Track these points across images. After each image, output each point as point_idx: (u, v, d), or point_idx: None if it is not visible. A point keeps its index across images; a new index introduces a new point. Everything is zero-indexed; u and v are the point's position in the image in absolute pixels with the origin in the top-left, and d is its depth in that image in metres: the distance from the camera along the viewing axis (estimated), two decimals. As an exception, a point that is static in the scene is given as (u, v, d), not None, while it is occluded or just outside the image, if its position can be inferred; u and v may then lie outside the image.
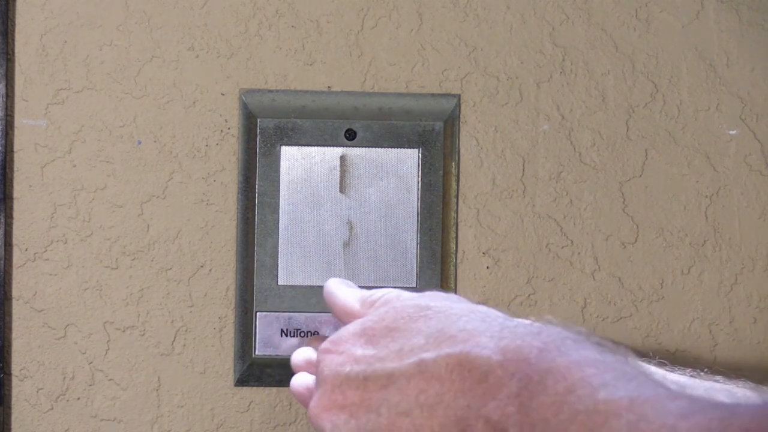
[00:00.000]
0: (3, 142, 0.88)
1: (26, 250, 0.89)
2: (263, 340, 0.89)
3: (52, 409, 0.90)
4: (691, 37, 0.92)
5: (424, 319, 0.56)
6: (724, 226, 0.92)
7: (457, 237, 0.91)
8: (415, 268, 0.91)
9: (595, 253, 0.92)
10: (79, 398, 0.90)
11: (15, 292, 0.89)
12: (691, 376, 0.68)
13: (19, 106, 0.89)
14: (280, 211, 0.89)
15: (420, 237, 0.91)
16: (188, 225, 0.90)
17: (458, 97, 0.91)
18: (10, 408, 0.90)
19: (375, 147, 0.90)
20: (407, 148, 0.90)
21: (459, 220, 0.92)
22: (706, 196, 0.92)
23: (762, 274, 0.92)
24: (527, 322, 0.54)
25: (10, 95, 0.89)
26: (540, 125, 0.92)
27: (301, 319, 0.90)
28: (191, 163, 0.90)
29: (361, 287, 0.71)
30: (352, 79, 0.91)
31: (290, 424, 0.90)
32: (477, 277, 0.92)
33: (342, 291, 0.69)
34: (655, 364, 0.65)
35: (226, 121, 0.90)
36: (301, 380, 0.69)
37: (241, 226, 0.89)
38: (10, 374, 0.89)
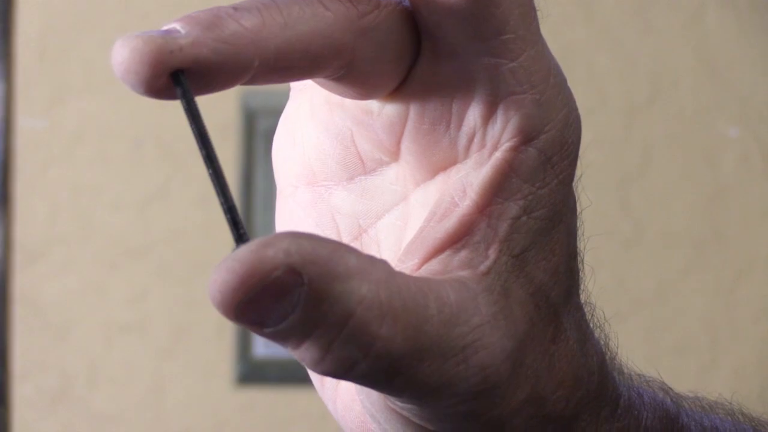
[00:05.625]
0: (3, 142, 0.88)
1: (26, 250, 0.89)
2: (263, 340, 0.89)
3: (52, 409, 0.90)
4: (691, 37, 0.92)
5: None
6: (724, 226, 0.92)
7: (457, 237, 0.91)
8: (415, 268, 0.91)
9: (595, 253, 0.92)
10: (79, 398, 0.90)
11: (15, 292, 0.89)
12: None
13: (19, 106, 0.89)
14: (280, 211, 0.89)
15: (420, 237, 0.91)
16: (188, 225, 0.90)
17: (458, 97, 0.91)
18: (11, 408, 0.90)
19: (375, 147, 0.90)
20: (407, 148, 0.90)
21: (459, 220, 0.92)
22: (706, 196, 0.92)
23: (762, 274, 0.92)
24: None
25: (10, 95, 0.89)
26: (540, 125, 0.92)
27: (301, 319, 0.90)
28: (191, 163, 0.90)
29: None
30: (352, 79, 0.91)
31: (290, 424, 0.91)
32: (477, 277, 0.92)
33: None
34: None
35: (226, 121, 0.90)
36: None
37: (241, 226, 0.89)
38: (10, 374, 0.90)
